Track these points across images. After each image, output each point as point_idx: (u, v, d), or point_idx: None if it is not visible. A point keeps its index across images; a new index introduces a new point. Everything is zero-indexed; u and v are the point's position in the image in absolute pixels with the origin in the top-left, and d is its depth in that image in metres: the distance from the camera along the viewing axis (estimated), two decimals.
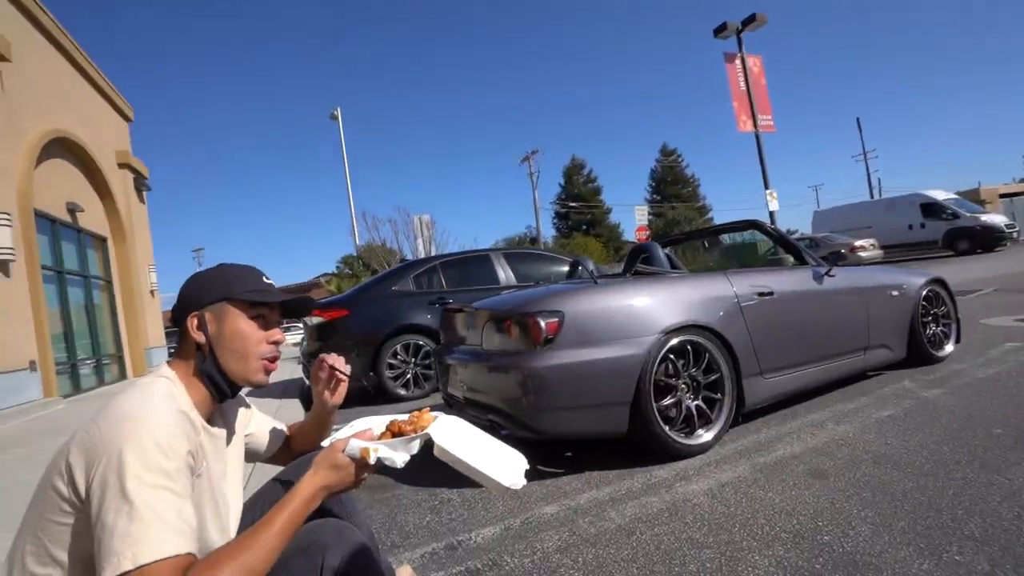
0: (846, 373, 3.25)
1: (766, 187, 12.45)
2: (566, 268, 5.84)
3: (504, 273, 5.62)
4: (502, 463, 1.08)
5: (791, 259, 3.50)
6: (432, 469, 1.58)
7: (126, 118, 12.90)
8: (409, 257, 18.12)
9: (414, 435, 1.01)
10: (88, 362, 9.75)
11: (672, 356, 2.50)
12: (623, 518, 1.95)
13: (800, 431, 2.67)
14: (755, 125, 12.23)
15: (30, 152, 8.14)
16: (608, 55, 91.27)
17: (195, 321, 1.00)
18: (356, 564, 0.89)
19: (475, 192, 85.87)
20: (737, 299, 2.74)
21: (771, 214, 12.61)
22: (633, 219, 18.74)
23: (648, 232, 18.30)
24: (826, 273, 3.22)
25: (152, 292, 12.88)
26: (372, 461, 0.94)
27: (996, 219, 17.52)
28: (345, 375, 1.29)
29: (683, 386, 2.54)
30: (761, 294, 2.84)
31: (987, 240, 16.83)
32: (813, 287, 3.11)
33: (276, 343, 1.07)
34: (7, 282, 7.11)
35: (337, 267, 21.67)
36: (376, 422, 1.17)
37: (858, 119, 37.68)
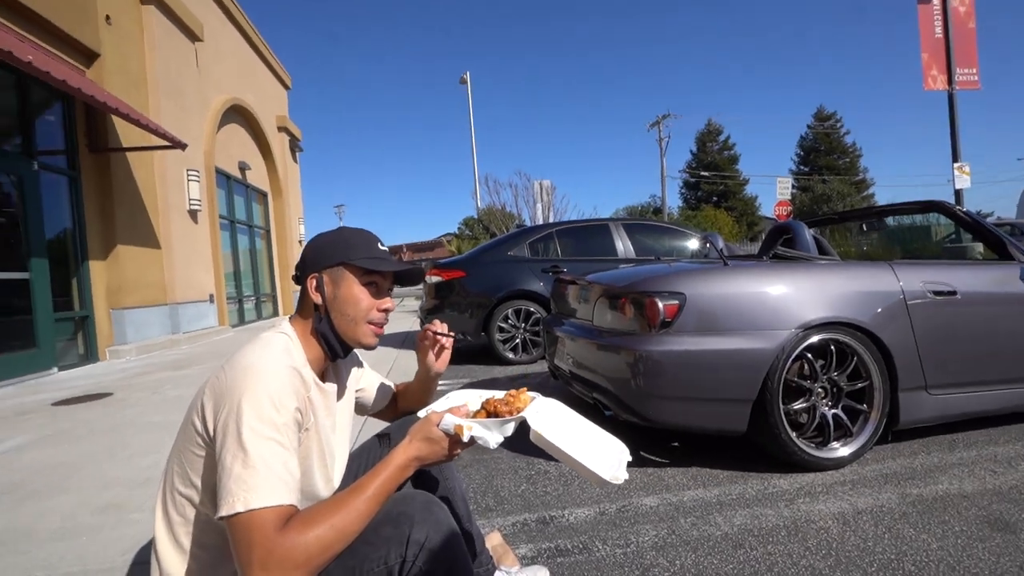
0: (1013, 407, 2.59)
1: (955, 159, 10.26)
2: (692, 243, 5.43)
3: (623, 245, 5.38)
4: (602, 453, 1.00)
5: (981, 251, 2.83)
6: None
7: (285, 85, 14.40)
8: (528, 222, 18.30)
9: (509, 417, 0.97)
10: (250, 298, 11.41)
11: (810, 355, 2.18)
12: (731, 526, 1.77)
13: (975, 465, 2.19)
14: (950, 81, 10.02)
15: (214, 118, 9.47)
16: (759, 5, 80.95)
17: (313, 282, 1.04)
18: (440, 541, 0.88)
19: (599, 159, 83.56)
20: (903, 296, 2.28)
21: (957, 192, 10.44)
22: (774, 192, 16.81)
23: (790, 208, 16.35)
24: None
25: (300, 242, 14.57)
26: (466, 439, 0.93)
27: None
28: (449, 339, 1.30)
29: (820, 390, 2.21)
30: (939, 292, 2.33)
31: None
32: (1019, 290, 2.47)
33: (386, 311, 1.08)
34: (195, 227, 8.47)
35: (459, 228, 22.63)
36: (473, 396, 1.15)
37: None
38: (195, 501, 0.93)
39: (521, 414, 0.98)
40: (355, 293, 1.03)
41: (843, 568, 1.51)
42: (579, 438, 1.02)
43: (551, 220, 17.30)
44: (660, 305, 2.16)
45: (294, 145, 14.52)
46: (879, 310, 2.22)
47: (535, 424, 0.96)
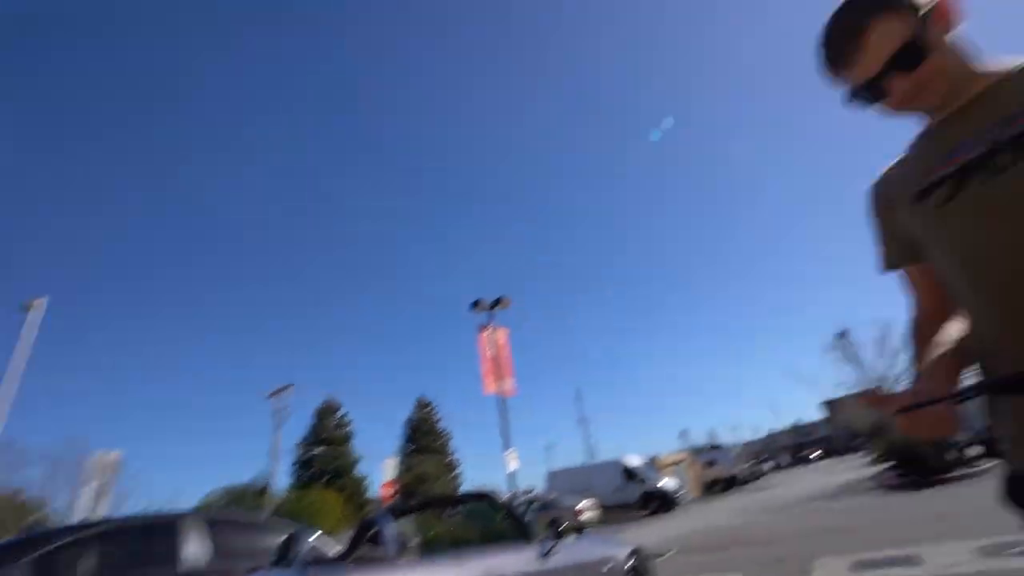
0: None
1: (507, 447, 13.46)
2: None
3: (193, 550, 4.25)
4: None
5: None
6: None
7: None
8: (62, 516, 12.92)
9: None
10: None
11: None
12: None
13: None
14: (499, 389, 13.87)
15: None
16: (373, 306, 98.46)
17: None
18: None
19: (197, 431, 71.50)
20: None
21: (511, 474, 13.38)
22: (382, 472, 17.62)
23: (396, 488, 17.22)
24: (550, 550, 3.26)
25: None
26: None
27: (671, 484, 22.08)
28: None
29: None
30: None
31: (668, 501, 20.75)
32: (540, 567, 3.06)
33: None
34: None
35: None
36: None
37: (578, 389, 46.48)
38: None
39: None
40: None
41: None
42: None
43: (103, 511, 12.80)
44: None
45: None
46: None
47: None
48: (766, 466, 41.64)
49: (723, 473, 30.90)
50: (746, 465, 34.92)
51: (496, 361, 14.23)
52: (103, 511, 12.67)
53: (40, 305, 15.79)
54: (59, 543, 3.81)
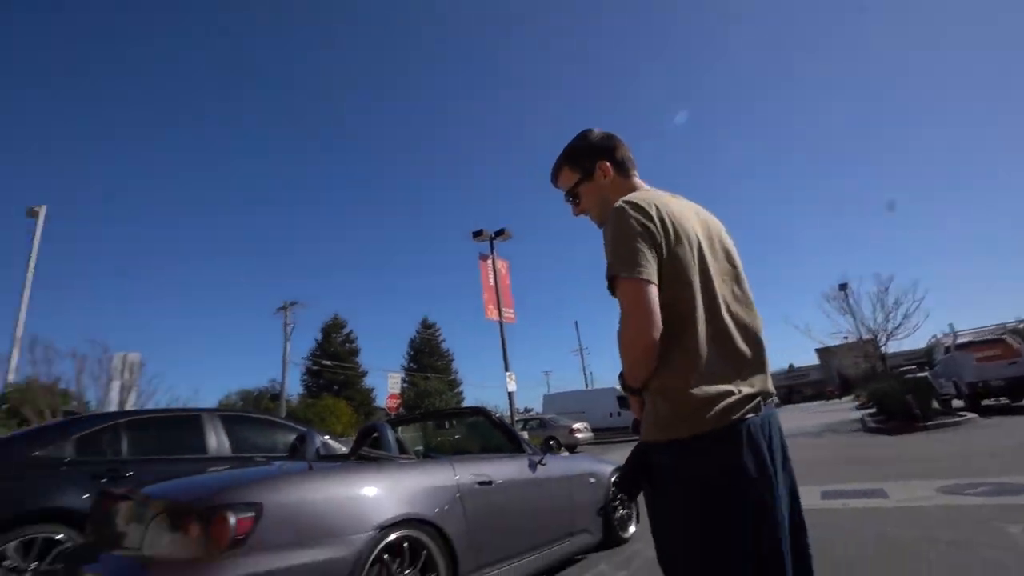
0: (557, 560, 3.44)
1: (506, 369, 14.08)
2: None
3: (217, 440, 4.66)
4: None
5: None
6: None
7: None
8: (94, 406, 13.88)
9: None
10: None
11: (387, 556, 2.28)
12: None
13: None
14: (499, 315, 14.25)
15: None
16: (384, 228, 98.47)
17: None
18: None
19: (215, 336, 74.55)
20: (459, 489, 2.76)
21: (510, 394, 14.08)
22: (387, 385, 18.55)
23: (399, 401, 18.20)
24: (539, 461, 3.56)
25: None
26: None
27: None
28: None
29: None
30: (482, 483, 2.94)
31: None
32: (528, 475, 3.37)
33: None
34: None
35: None
36: None
37: (576, 322, 47.53)
38: None
39: None
40: None
41: None
42: None
43: (132, 403, 13.72)
44: (232, 520, 1.92)
45: None
46: (441, 504, 2.60)
47: None
48: None
49: None
50: None
51: (497, 290, 14.50)
52: (130, 406, 13.60)
53: (41, 211, 16.11)
54: (99, 426, 4.20)
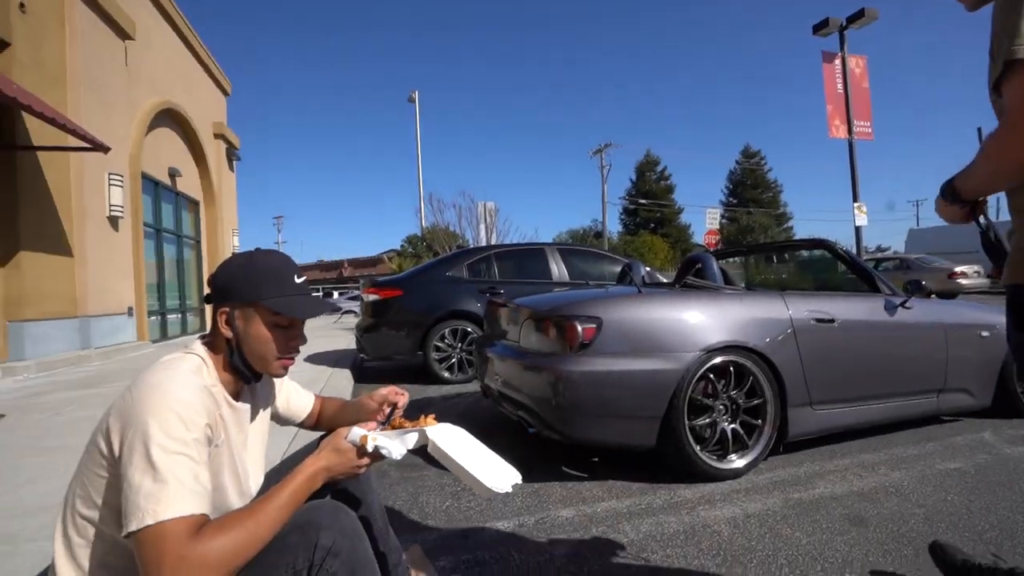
0: (913, 414, 2.99)
1: (855, 199, 11.49)
2: (619, 269, 5.75)
3: (558, 269, 5.60)
4: (493, 471, 1.11)
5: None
6: None
7: (224, 92, 13.89)
8: (471, 242, 18.40)
9: (411, 429, 1.07)
10: (175, 312, 10.75)
11: (712, 375, 2.41)
12: (637, 533, 1.92)
13: (847, 471, 2.50)
14: (849, 131, 11.28)
15: (143, 121, 9.00)
16: (695, 48, 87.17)
17: (224, 317, 1.05)
18: (347, 545, 0.95)
19: (543, 183, 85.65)
20: (792, 323, 2.58)
21: (857, 229, 11.66)
22: (705, 221, 17.97)
23: (718, 236, 17.50)
24: (901, 304, 2.95)
25: (233, 254, 13.93)
26: (370, 448, 1.00)
27: None
28: (399, 410, 1.35)
29: (720, 407, 2.44)
30: (820, 320, 2.66)
31: None
32: (883, 318, 2.86)
33: (295, 348, 1.12)
34: (115, 235, 7.95)
35: (402, 245, 22.39)
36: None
37: (979, 129, 33.72)
38: (97, 522, 0.93)
39: (423, 428, 1.07)
40: (263, 334, 1.05)
41: (728, 565, 1.69)
42: (474, 456, 1.13)
43: (493, 241, 17.52)
44: (579, 328, 2.33)
45: (231, 153, 13.95)
46: (771, 336, 2.50)
47: (433, 436, 1.06)
48: None
49: None
50: None
51: (847, 98, 11.25)
52: (493, 242, 17.53)
53: (415, 95, 20.45)
54: (479, 256, 5.62)
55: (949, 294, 13.81)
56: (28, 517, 2.05)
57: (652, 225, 40.29)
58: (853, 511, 2.06)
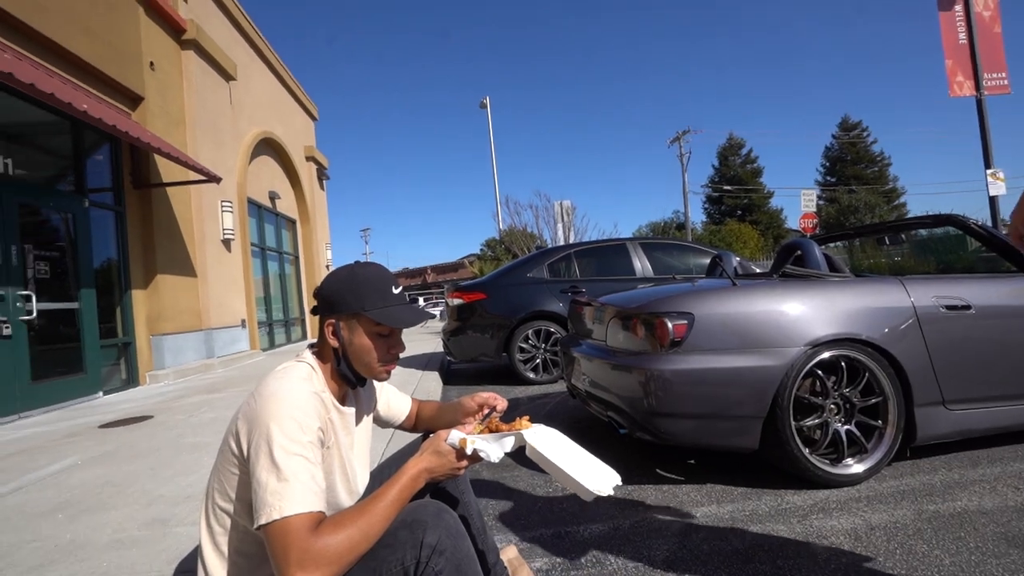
0: None
1: (987, 166, 10.00)
2: (708, 261, 5.45)
3: (641, 264, 5.44)
4: (592, 473, 1.09)
5: (1006, 265, 2.81)
6: None
7: (312, 117, 15.03)
8: (549, 242, 18.41)
9: (508, 432, 1.08)
10: (280, 323, 11.78)
11: (820, 372, 2.21)
12: (742, 541, 1.81)
13: (997, 481, 2.17)
14: (978, 88, 9.83)
15: (246, 151, 9.98)
16: (770, 19, 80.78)
17: (331, 328, 1.13)
18: (451, 544, 0.98)
19: (620, 177, 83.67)
20: (915, 312, 2.29)
21: (992, 199, 10.16)
22: (799, 204, 16.57)
23: (815, 220, 16.08)
24: None
25: (328, 266, 14.99)
26: (468, 451, 1.03)
27: None
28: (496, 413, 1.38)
29: (832, 407, 2.23)
30: (952, 307, 2.34)
31: None
32: None
33: (396, 354, 1.18)
34: (228, 256, 8.88)
35: (481, 249, 22.91)
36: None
37: None
38: (233, 513, 1.04)
39: (520, 431, 1.08)
40: (367, 344, 1.12)
41: None
42: (571, 458, 1.12)
43: (572, 240, 17.40)
44: (669, 325, 2.23)
45: (321, 173, 15.08)
46: (890, 326, 2.25)
47: (530, 439, 1.07)
48: None
49: None
50: None
51: (973, 48, 9.81)
52: (571, 240, 17.41)
53: (487, 101, 20.82)
54: (559, 255, 5.60)
55: None
56: (177, 505, 2.34)
57: (739, 212, 37.89)
58: (1012, 530, 1.77)
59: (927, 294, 2.34)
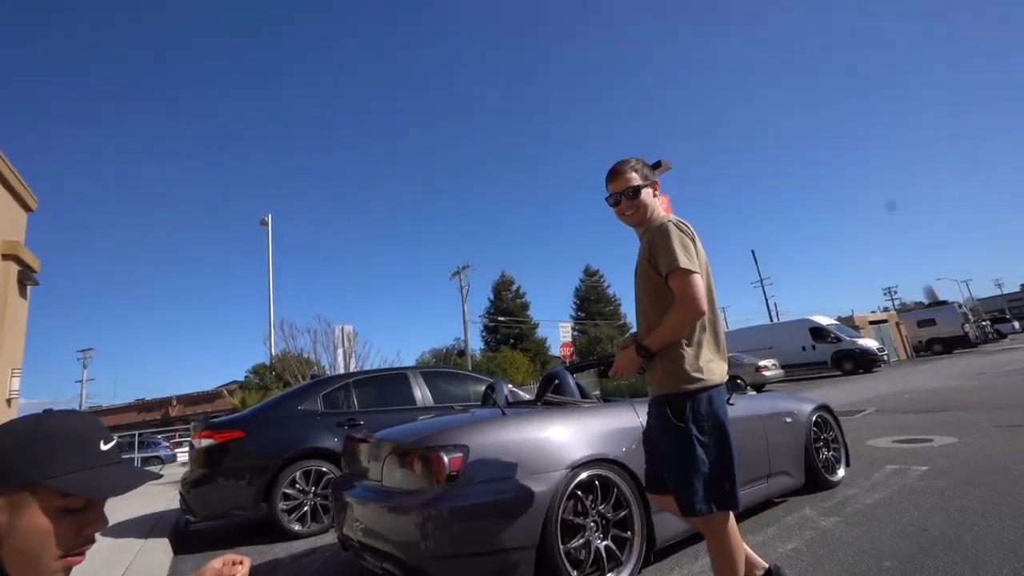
0: (753, 502, 3.31)
1: None
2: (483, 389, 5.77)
3: (421, 393, 5.42)
4: None
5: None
6: None
7: (26, 207, 11.99)
8: (328, 369, 17.15)
9: None
10: None
11: (580, 492, 2.44)
12: None
13: (708, 570, 2.60)
14: None
15: None
16: (537, 182, 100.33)
17: None
18: None
19: (404, 305, 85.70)
20: (642, 429, 2.78)
21: None
22: (559, 335, 19.30)
23: (572, 348, 18.83)
24: (727, 401, 3.38)
25: (9, 401, 11.05)
26: None
27: (870, 343, 20.03)
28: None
29: (592, 525, 2.45)
30: None
31: (865, 361, 19.03)
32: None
33: (91, 535, 0.82)
34: None
35: (247, 376, 19.97)
36: None
37: (752, 251, 43.16)
38: None
39: None
40: (47, 526, 0.76)
41: None
42: None
43: (353, 367, 16.59)
44: (445, 459, 2.23)
45: (25, 276, 11.66)
46: (626, 444, 2.66)
47: None
48: (1008, 327, 35.10)
49: (944, 333, 26.85)
50: (978, 324, 29.90)
51: None
52: (352, 367, 16.55)
53: (268, 219, 20.05)
54: (336, 385, 5.22)
55: (759, 385, 16.32)
56: None
57: (512, 340, 42.05)
58: None
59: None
